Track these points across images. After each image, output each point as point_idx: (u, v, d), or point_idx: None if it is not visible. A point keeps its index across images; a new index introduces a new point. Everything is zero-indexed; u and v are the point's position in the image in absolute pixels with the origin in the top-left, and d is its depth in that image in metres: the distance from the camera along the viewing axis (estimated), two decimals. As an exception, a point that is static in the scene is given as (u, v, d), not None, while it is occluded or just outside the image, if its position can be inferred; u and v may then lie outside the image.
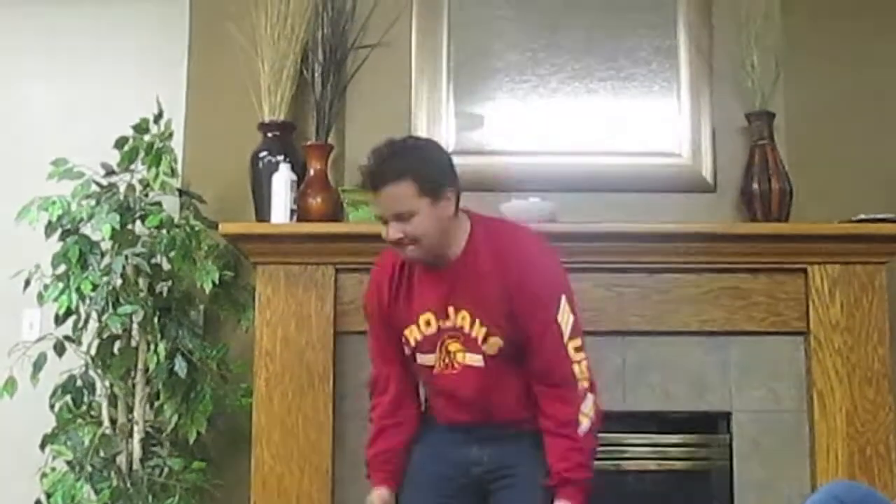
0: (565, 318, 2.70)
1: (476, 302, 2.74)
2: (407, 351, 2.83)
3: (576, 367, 2.68)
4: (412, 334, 2.80)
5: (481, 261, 2.75)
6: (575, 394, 2.68)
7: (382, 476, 2.84)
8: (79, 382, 3.70)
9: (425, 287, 2.80)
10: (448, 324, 2.76)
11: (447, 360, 2.77)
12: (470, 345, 2.74)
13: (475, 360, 2.75)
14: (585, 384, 2.70)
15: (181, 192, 3.88)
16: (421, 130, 3.62)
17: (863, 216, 3.52)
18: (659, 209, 3.57)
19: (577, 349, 2.69)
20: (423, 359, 2.80)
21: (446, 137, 3.65)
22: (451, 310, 2.75)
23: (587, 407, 2.70)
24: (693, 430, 3.55)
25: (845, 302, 3.46)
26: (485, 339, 2.72)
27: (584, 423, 2.69)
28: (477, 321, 2.73)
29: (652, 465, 3.54)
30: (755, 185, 3.59)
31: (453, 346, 2.76)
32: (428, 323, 2.78)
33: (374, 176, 2.69)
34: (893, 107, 4.05)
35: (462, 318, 2.75)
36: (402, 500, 2.89)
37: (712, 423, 3.53)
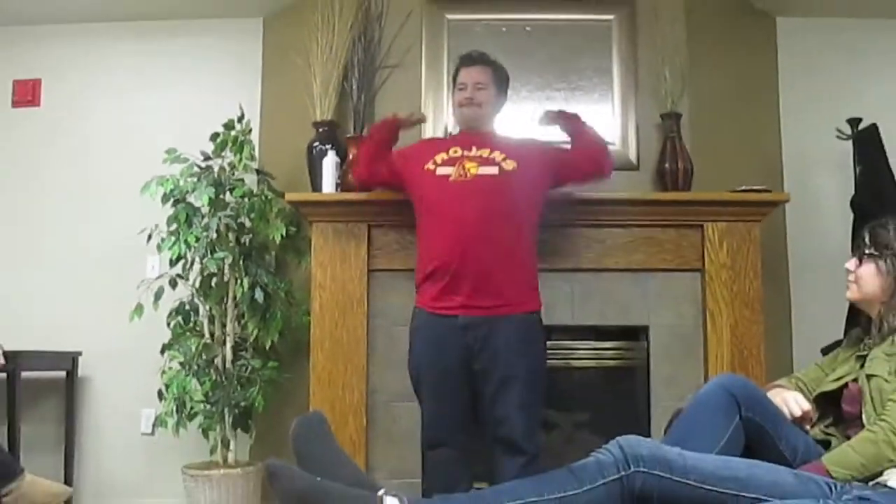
0: None
1: (498, 146, 2.85)
2: (432, 167, 2.84)
3: None
4: (440, 157, 2.86)
5: (504, 138, 2.95)
6: None
7: None
8: (187, 307, 3.73)
9: (458, 139, 2.95)
10: (471, 153, 2.83)
11: (462, 172, 2.78)
12: (486, 163, 2.80)
13: (490, 170, 2.78)
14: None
15: (258, 172, 3.87)
16: (427, 126, 3.61)
17: (744, 187, 3.51)
18: (598, 183, 3.56)
19: None
20: (442, 170, 2.82)
21: (446, 130, 3.63)
22: (474, 147, 2.84)
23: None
24: (622, 339, 3.55)
25: (730, 248, 3.45)
26: (503, 160, 2.80)
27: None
28: (497, 152, 2.83)
29: (592, 364, 3.55)
30: (667, 165, 3.58)
31: (469, 164, 2.80)
32: (455, 151, 2.86)
33: (478, 57, 3.00)
34: (766, 110, 4.06)
35: (483, 152, 2.83)
36: (420, 394, 2.90)
37: (635, 334, 3.53)
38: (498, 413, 2.73)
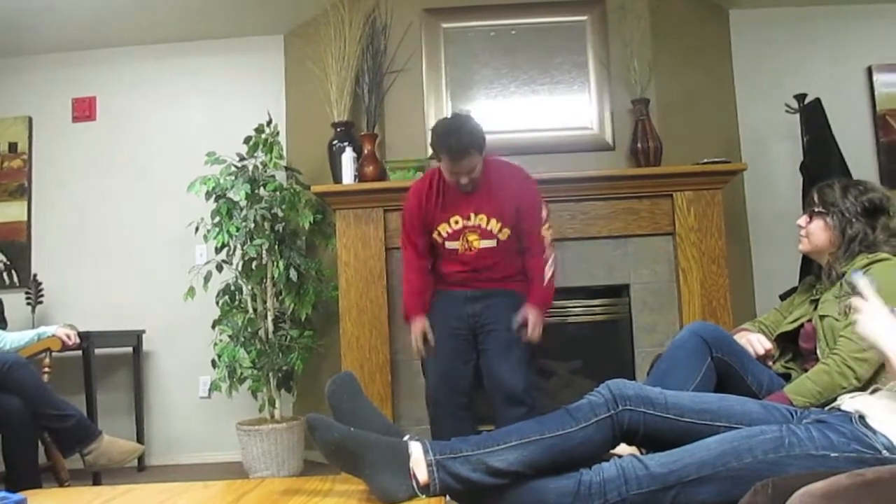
0: (544, 215, 2.82)
1: (492, 208, 2.76)
2: (438, 239, 2.82)
3: (545, 240, 2.80)
4: (444, 229, 2.80)
5: (494, 183, 2.78)
6: (544, 254, 2.79)
7: (419, 309, 2.84)
8: (232, 287, 3.74)
9: (456, 200, 2.80)
10: (470, 223, 2.77)
11: (466, 245, 2.79)
12: (485, 235, 2.77)
13: (489, 243, 2.78)
14: (549, 250, 2.80)
15: (286, 168, 3.86)
16: (430, 122, 3.57)
17: (706, 160, 3.48)
18: (580, 162, 3.54)
19: (547, 230, 2.81)
20: (450, 244, 2.81)
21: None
22: (472, 213, 2.77)
23: (549, 262, 2.79)
24: (607, 296, 3.54)
25: (696, 213, 3.44)
26: (499, 231, 2.76)
27: (548, 273, 2.78)
28: (493, 220, 2.76)
29: (583, 319, 3.54)
30: (638, 144, 3.55)
31: (472, 237, 2.78)
32: (456, 222, 2.79)
33: (458, 152, 2.64)
34: (722, 91, 4.00)
35: (480, 219, 2.77)
36: (436, 346, 2.87)
37: (618, 291, 3.52)
38: (502, 370, 2.77)
